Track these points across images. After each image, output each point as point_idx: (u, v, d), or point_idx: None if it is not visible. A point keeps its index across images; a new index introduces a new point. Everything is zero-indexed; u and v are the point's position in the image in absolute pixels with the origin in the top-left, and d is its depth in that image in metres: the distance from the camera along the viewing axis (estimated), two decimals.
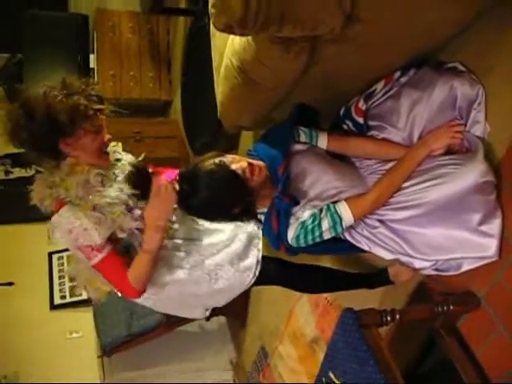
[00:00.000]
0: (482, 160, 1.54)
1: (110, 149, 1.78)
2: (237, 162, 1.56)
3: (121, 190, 1.67)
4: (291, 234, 1.63)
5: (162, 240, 1.66)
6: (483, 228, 1.55)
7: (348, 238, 1.71)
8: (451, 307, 1.68)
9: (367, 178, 1.75)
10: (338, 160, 1.79)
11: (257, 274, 1.87)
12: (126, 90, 4.54)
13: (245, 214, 1.67)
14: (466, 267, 1.64)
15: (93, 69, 4.49)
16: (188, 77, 3.93)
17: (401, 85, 1.74)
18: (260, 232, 1.87)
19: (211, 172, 1.53)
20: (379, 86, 1.74)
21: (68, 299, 4.07)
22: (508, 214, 1.57)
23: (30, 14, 4.21)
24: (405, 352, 1.95)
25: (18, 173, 4.50)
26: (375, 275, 2.06)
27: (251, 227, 1.90)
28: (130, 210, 1.68)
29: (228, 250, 1.86)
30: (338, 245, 1.74)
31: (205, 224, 1.86)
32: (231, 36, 1.73)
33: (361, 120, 1.76)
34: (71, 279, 3.82)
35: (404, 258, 1.67)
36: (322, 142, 1.75)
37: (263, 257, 1.90)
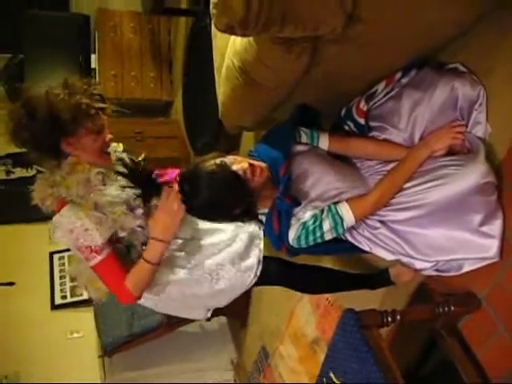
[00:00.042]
0: (483, 161, 1.54)
1: (111, 149, 1.79)
2: (238, 163, 1.56)
3: (122, 189, 1.67)
4: (292, 234, 1.62)
5: (164, 253, 1.66)
6: (484, 229, 1.55)
7: (349, 238, 1.71)
8: (452, 308, 1.67)
9: (368, 178, 1.75)
10: (340, 161, 1.79)
11: (258, 273, 1.87)
12: (128, 90, 4.54)
13: (246, 214, 1.66)
14: (466, 268, 1.64)
15: (94, 69, 4.51)
16: (189, 77, 3.92)
17: (402, 86, 1.74)
18: (261, 232, 1.87)
19: (212, 172, 1.53)
20: (380, 86, 1.74)
21: (69, 299, 4.08)
22: (509, 215, 1.57)
23: (29, 14, 4.22)
24: (406, 353, 1.94)
25: (19, 173, 4.51)
26: (376, 276, 2.06)
27: (252, 227, 1.90)
28: (131, 208, 1.68)
29: (229, 249, 1.86)
30: (339, 245, 1.74)
31: (206, 224, 1.86)
32: (232, 36, 1.72)
33: (362, 121, 1.76)
34: (72, 279, 3.82)
35: (405, 259, 1.67)
36: (324, 142, 1.75)
37: (264, 257, 1.90)
